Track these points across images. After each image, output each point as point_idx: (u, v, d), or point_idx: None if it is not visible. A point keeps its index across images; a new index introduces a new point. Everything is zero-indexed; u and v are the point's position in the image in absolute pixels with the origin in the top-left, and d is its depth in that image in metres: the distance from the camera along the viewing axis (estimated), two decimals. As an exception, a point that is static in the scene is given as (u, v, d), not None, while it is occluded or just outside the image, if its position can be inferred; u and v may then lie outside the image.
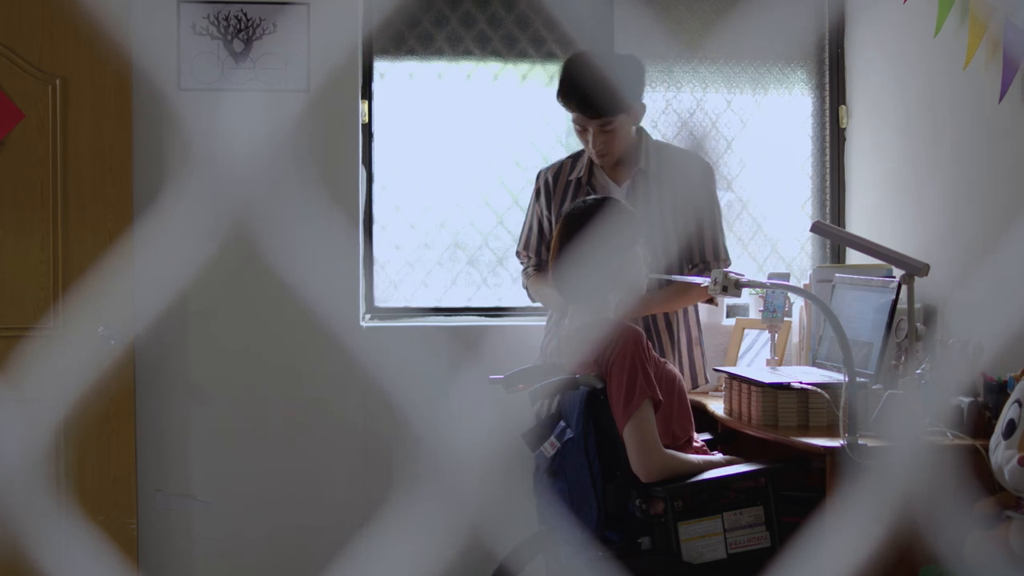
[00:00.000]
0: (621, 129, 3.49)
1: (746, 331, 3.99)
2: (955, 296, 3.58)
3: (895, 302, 3.22)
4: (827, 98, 4.38)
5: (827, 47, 4.37)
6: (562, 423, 3.06)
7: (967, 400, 3.00)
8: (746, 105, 4.37)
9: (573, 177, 3.61)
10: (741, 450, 3.29)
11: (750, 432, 3.22)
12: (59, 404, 3.64)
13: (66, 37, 3.74)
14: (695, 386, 3.67)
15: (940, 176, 3.79)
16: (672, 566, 2.94)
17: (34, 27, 3.74)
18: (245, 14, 3.95)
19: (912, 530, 2.71)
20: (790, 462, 3.09)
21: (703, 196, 3.57)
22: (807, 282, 3.83)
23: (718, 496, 3.01)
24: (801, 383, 3.16)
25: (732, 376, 3.38)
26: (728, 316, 4.14)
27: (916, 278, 3.21)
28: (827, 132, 4.38)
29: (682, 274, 3.49)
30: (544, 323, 3.68)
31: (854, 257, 4.07)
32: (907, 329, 3.24)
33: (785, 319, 3.70)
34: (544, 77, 4.24)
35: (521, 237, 3.75)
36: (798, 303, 3.90)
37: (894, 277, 3.34)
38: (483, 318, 4.20)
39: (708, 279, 3.03)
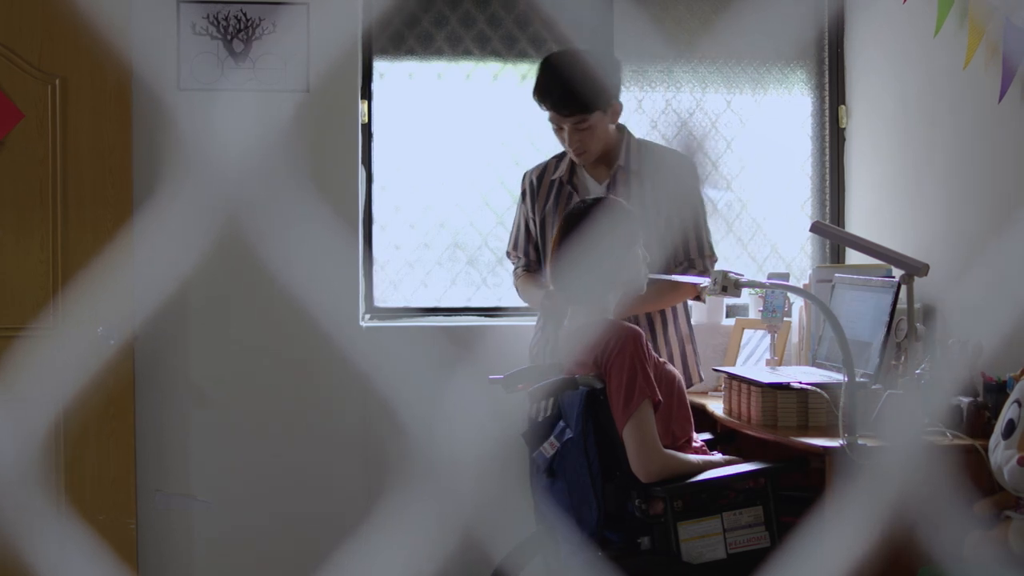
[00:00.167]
0: (597, 127, 3.46)
1: (746, 331, 3.99)
2: (954, 296, 3.58)
3: (894, 302, 3.21)
4: (827, 98, 4.37)
5: (827, 47, 4.36)
6: (561, 423, 3.06)
7: (966, 400, 3.00)
8: (746, 105, 4.37)
9: (555, 177, 3.61)
10: (741, 450, 3.28)
11: (749, 432, 3.22)
12: (58, 403, 3.64)
13: (65, 37, 3.74)
14: (689, 384, 3.66)
15: (940, 176, 3.79)
16: (672, 566, 2.94)
17: (34, 27, 3.74)
18: (244, 14, 3.95)
19: (911, 530, 2.71)
20: (789, 462, 3.09)
21: (686, 193, 3.54)
22: (807, 282, 3.83)
23: (717, 496, 3.01)
24: (800, 383, 3.15)
25: (732, 376, 3.38)
26: (728, 316, 4.14)
27: (915, 278, 3.21)
28: (827, 132, 4.38)
29: (667, 272, 3.48)
30: (538, 324, 3.68)
31: (854, 257, 4.07)
32: (906, 329, 3.24)
33: (785, 319, 3.71)
34: (543, 77, 4.25)
35: (510, 238, 3.75)
36: (798, 303, 3.90)
37: (893, 277, 3.34)
38: (482, 318, 4.20)
39: (708, 279, 3.03)
